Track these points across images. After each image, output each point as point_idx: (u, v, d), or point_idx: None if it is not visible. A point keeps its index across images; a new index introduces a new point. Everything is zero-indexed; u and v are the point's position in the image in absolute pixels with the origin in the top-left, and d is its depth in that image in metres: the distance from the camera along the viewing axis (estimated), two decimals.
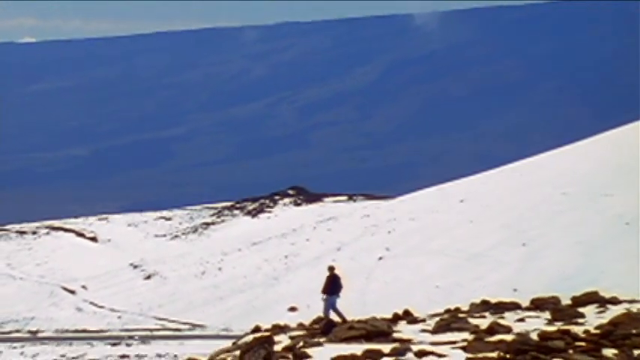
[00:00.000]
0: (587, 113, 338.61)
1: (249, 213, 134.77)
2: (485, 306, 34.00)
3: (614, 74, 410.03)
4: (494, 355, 23.56)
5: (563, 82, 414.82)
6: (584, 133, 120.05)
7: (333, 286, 34.51)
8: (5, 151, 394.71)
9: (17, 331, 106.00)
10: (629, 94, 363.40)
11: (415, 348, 26.02)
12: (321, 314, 34.64)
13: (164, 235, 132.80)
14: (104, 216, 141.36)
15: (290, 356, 27.40)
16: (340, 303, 35.98)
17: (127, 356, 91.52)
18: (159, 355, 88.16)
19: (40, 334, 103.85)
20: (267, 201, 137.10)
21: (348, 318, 32.93)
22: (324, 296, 34.39)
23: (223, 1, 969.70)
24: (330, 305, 34.34)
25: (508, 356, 23.14)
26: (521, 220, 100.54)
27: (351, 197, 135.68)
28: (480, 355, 23.77)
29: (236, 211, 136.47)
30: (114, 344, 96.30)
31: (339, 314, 34.08)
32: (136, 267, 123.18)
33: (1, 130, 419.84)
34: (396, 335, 28.63)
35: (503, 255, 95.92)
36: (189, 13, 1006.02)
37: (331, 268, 35.61)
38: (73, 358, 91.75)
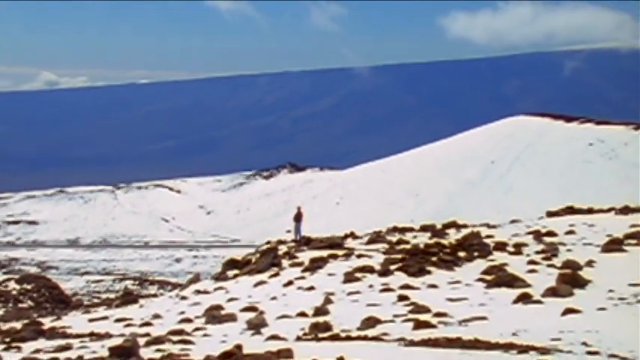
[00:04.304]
0: (450, 126, 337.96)
1: (264, 177, 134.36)
2: (395, 230, 34.07)
3: (465, 104, 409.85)
4: (400, 255, 23.64)
5: (441, 109, 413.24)
6: (447, 136, 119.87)
7: (298, 217, 35.23)
8: (133, 143, 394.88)
9: (137, 242, 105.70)
10: (469, 115, 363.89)
11: (357, 252, 26.08)
12: (297, 236, 34.66)
13: (217, 190, 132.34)
14: (184, 179, 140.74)
15: (287, 257, 27.41)
16: (307, 227, 36.49)
17: (197, 256, 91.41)
18: (215, 256, 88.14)
19: (149, 244, 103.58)
20: (274, 171, 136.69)
21: (320, 236, 32.91)
22: (294, 223, 35.05)
23: (246, 57, 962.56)
24: (297, 228, 34.83)
25: (407, 256, 23.23)
26: (415, 182, 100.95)
27: (321, 169, 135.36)
28: (392, 256, 23.86)
29: (257, 177, 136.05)
30: (190, 249, 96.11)
31: (299, 233, 34.40)
32: (201, 207, 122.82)
33: (129, 132, 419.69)
34: (346, 245, 28.70)
35: (405, 201, 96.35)
36: (227, 67, 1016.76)
37: (298, 207, 36.50)
38: (168, 256, 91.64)
